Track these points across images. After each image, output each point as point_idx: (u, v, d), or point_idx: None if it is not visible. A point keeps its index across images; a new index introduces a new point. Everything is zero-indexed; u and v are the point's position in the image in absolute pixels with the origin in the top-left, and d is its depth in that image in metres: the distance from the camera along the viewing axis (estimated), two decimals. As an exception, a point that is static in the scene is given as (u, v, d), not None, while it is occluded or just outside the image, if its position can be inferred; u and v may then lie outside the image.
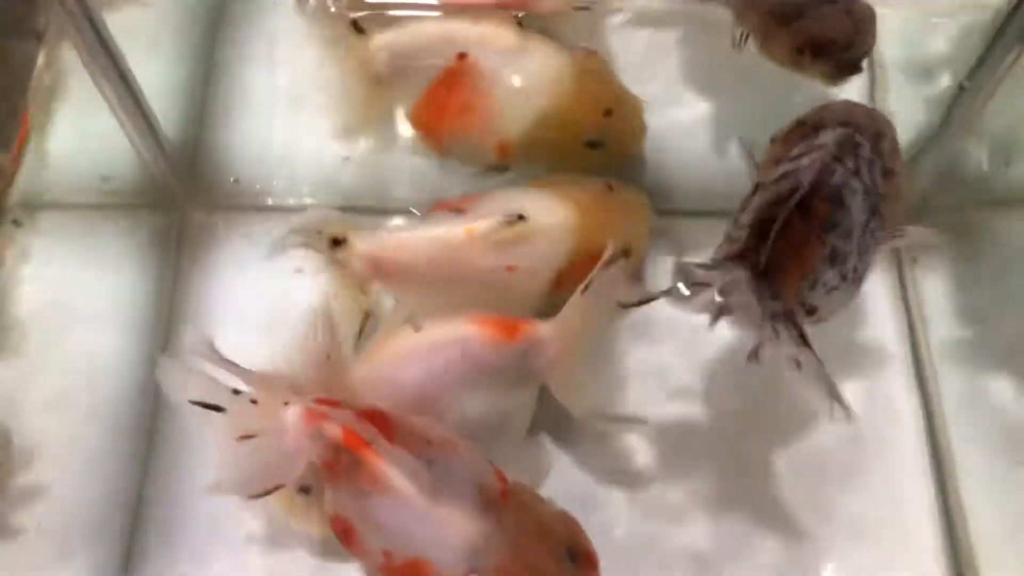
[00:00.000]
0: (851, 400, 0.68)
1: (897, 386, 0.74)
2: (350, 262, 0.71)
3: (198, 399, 0.59)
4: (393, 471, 0.58)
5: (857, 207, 0.62)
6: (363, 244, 0.71)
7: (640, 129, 0.77)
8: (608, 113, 0.75)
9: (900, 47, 0.85)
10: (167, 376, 0.60)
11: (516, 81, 0.74)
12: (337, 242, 0.71)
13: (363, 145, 0.81)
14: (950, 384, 0.74)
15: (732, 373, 0.74)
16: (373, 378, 0.66)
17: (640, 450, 0.71)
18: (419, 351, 0.66)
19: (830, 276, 0.61)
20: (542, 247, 0.70)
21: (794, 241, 0.60)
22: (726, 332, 0.64)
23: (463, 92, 0.74)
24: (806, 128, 0.65)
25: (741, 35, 0.75)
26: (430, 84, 0.75)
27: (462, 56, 0.74)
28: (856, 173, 0.62)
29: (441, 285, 0.70)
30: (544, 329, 0.66)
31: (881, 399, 0.74)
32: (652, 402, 0.73)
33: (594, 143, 0.75)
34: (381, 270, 0.71)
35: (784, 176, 0.62)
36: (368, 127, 0.81)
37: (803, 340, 0.59)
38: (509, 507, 0.60)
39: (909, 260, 0.78)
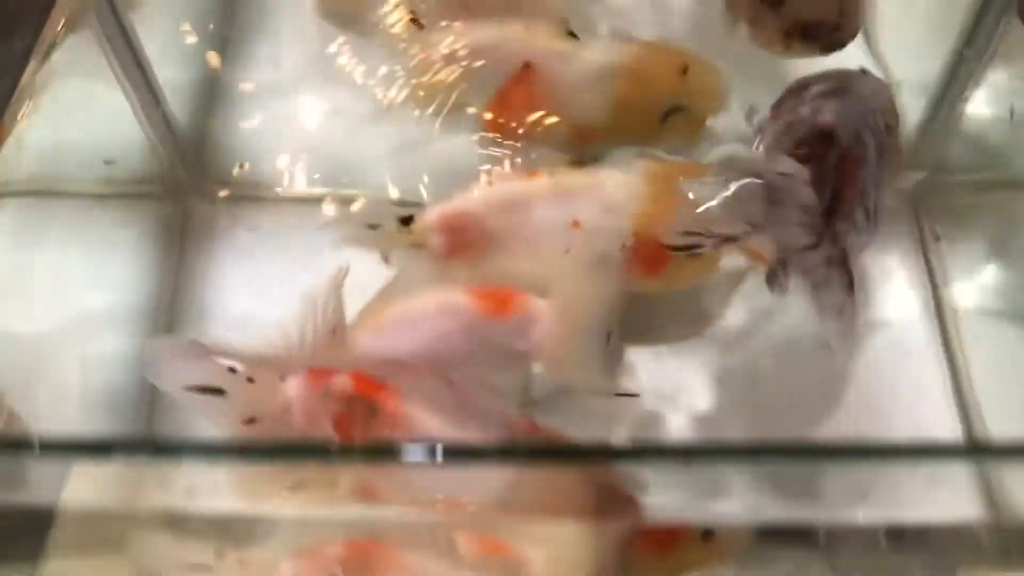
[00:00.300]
0: (877, 375, 0.69)
1: (925, 358, 0.72)
2: (423, 236, 0.68)
3: (194, 383, 0.57)
4: (412, 405, 0.56)
5: (871, 143, 0.63)
6: (432, 212, 0.69)
7: (719, 88, 0.77)
8: (684, 71, 0.75)
9: (896, 17, 0.85)
10: (156, 367, 0.58)
11: (586, 75, 0.75)
12: (405, 221, 0.69)
13: (397, 135, 0.80)
14: (976, 353, 0.72)
15: (745, 349, 0.72)
16: (362, 347, 0.63)
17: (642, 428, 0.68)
18: (407, 322, 0.64)
19: (860, 216, 0.61)
20: (607, 204, 0.68)
21: (848, 181, 0.60)
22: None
23: (535, 98, 0.76)
24: (796, 89, 0.66)
25: (732, 23, 0.75)
26: (500, 90, 0.76)
27: (527, 65, 0.76)
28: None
29: (509, 245, 0.68)
30: (536, 305, 0.64)
31: (908, 370, 0.72)
32: (656, 378, 0.70)
33: (676, 108, 0.76)
34: (455, 232, 0.68)
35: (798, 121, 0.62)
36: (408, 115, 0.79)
37: (852, 287, 0.59)
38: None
39: (931, 235, 0.77)
